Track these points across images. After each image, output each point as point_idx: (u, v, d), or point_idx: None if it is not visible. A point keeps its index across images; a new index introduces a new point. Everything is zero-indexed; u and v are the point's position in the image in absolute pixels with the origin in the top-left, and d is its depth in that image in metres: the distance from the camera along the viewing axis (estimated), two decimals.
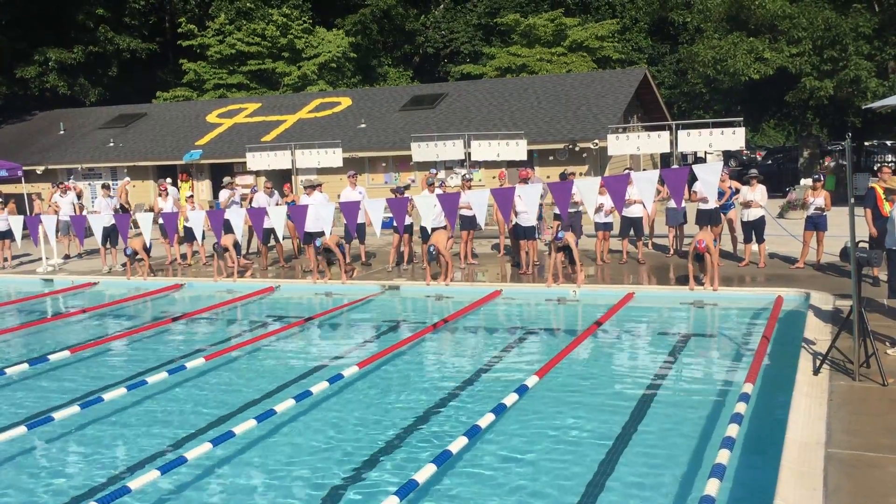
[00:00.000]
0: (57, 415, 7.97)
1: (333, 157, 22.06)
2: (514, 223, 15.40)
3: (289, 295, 15.21)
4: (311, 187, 16.74)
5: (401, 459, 7.09)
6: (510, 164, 21.46)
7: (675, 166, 17.66)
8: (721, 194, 15.05)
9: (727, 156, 42.33)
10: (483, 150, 20.10)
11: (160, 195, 19.16)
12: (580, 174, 22.13)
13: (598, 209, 15.39)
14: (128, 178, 24.07)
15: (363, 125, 26.92)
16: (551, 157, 23.40)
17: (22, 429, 7.66)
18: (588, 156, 23.19)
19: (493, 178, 21.86)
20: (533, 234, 15.23)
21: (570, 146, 22.90)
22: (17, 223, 17.76)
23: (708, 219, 14.99)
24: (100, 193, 19.36)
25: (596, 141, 22.39)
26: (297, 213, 13.37)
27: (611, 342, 10.89)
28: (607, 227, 16.03)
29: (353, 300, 14.02)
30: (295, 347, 11.43)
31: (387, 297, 14.54)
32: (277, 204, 16.77)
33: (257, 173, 24.87)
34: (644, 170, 21.15)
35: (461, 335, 11.65)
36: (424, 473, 6.14)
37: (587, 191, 10.30)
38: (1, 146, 31.37)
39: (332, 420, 8.14)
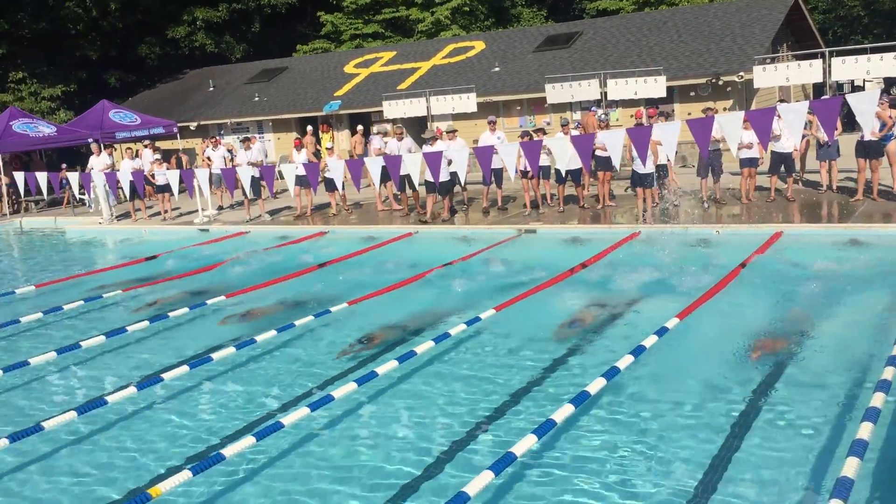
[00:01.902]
0: (216, 355, 8.51)
1: (468, 102, 22.08)
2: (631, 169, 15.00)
3: (426, 240, 15.48)
4: (452, 132, 16.89)
5: (542, 398, 7.17)
6: (648, 102, 20.76)
7: (827, 96, 16.55)
8: (882, 126, 14.02)
9: (888, 83, 39.21)
10: (620, 88, 19.56)
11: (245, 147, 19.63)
12: (724, 109, 21.13)
13: (745, 146, 14.71)
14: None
15: (497, 68, 26.68)
16: (692, 93, 22.44)
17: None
18: (732, 90, 22.08)
19: (631, 117, 21.24)
20: (648, 181, 14.67)
21: (713, 80, 21.86)
22: (174, 177, 18.89)
23: (866, 151, 14.03)
24: (242, 147, 20.18)
25: (741, 73, 21.26)
26: (431, 159, 13.49)
27: (755, 285, 10.46)
28: (752, 163, 15.29)
29: (490, 244, 14.11)
30: (433, 292, 11.65)
31: (523, 240, 14.53)
32: (410, 150, 16.96)
33: (394, 121, 25.23)
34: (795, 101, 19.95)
35: (599, 279, 11.50)
36: (562, 413, 6.19)
37: (729, 126, 9.85)
38: (157, 104, 33.24)
39: (471, 361, 8.26)
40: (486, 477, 5.21)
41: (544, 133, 15.21)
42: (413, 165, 13.34)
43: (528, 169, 14.81)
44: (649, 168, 14.52)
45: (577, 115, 22.72)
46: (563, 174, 15.86)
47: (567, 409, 6.25)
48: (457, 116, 24.01)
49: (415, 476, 6.01)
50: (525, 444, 5.65)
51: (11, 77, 33.57)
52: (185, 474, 5.65)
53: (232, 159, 21.86)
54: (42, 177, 21.01)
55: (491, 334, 9.17)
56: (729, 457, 5.90)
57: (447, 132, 17.31)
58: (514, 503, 5.59)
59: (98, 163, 21.72)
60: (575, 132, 15.71)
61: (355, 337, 9.56)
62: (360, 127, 24.19)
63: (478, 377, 7.83)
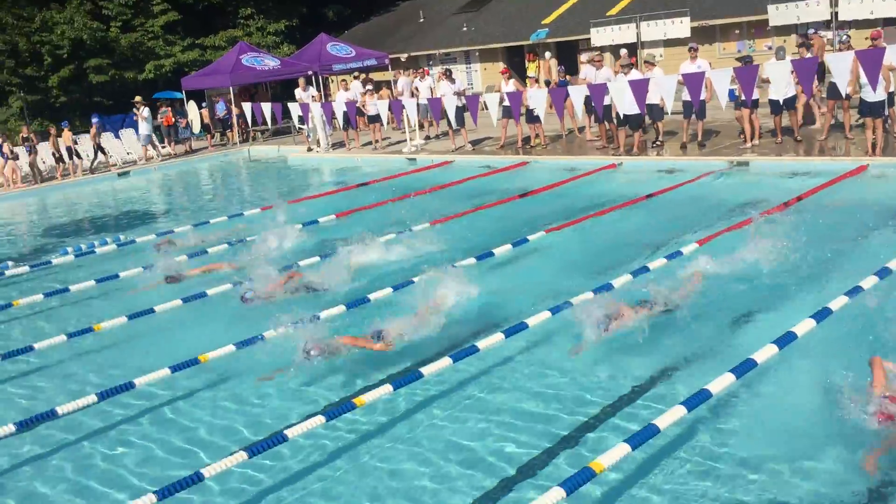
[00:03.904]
0: (418, 278, 8.89)
1: (681, 27, 21.01)
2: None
3: (629, 172, 15.12)
4: (650, 63, 16.16)
5: (740, 342, 6.92)
6: (886, 22, 18.73)
7: None
8: None
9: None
10: (853, 7, 17.77)
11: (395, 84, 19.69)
12: None
13: None
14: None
15: None
16: None
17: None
18: None
19: (865, 38, 19.28)
20: (879, 110, 13.22)
21: None
22: (383, 107, 19.60)
23: None
24: (444, 79, 20.43)
25: None
26: (637, 87, 13.06)
27: None
28: None
29: (696, 176, 13.55)
30: (634, 224, 11.41)
31: (734, 173, 13.82)
32: (609, 80, 16.38)
33: (601, 49, 24.53)
34: None
35: (816, 215, 10.73)
36: (764, 354, 5.96)
37: None
38: (369, 37, 34.39)
39: (670, 293, 8.03)
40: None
41: (752, 61, 14.11)
42: (617, 95, 12.94)
43: (742, 97, 13.95)
44: (880, 95, 13.18)
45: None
46: (780, 103, 14.76)
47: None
48: (668, 43, 22.95)
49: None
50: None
51: (241, 13, 35.97)
52: None
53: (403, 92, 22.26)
54: (267, 107, 22.55)
55: (691, 269, 8.84)
56: None
57: (646, 62, 16.49)
58: None
59: (305, 96, 22.92)
60: (791, 57, 14.53)
61: (551, 268, 9.61)
62: (547, 54, 23.72)
63: (683, 317, 7.58)
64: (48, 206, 19.49)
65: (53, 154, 22.16)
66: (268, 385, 6.94)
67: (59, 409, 6.35)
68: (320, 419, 5.77)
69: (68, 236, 14.84)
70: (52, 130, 22.68)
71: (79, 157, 22.82)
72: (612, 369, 6.64)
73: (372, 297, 8.50)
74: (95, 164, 23.44)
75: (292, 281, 9.17)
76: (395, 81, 24.46)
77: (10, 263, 12.17)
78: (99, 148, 23.27)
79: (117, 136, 25.05)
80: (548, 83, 19.25)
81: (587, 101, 16.31)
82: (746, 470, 5.07)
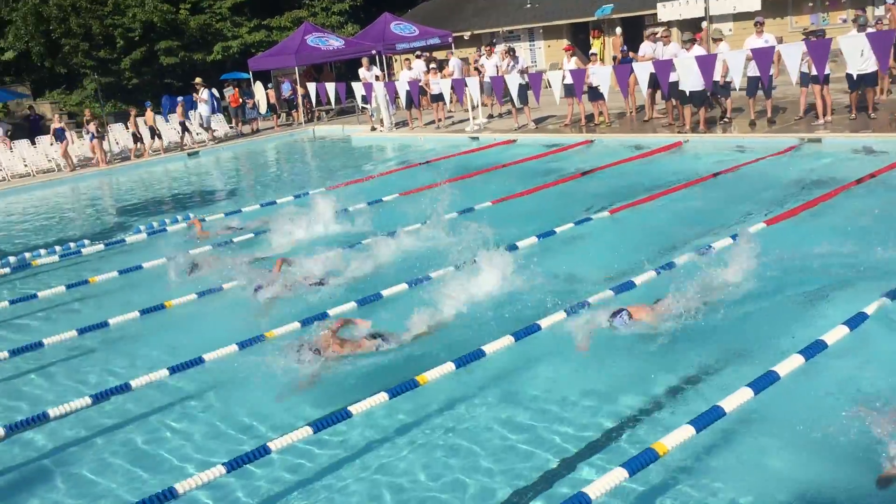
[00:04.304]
0: (481, 257, 8.90)
1: (751, 0, 20.40)
2: None
3: (696, 150, 14.83)
4: (718, 38, 15.74)
5: (809, 324, 6.77)
6: None
7: None
8: None
9: None
10: None
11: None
12: None
13: None
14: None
15: None
16: None
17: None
18: None
19: None
20: None
21: None
22: (446, 86, 19.60)
23: None
24: (507, 56, 20.27)
25: None
26: (704, 63, 12.77)
27: None
28: None
29: (766, 154, 13.22)
30: (700, 203, 11.22)
31: (806, 150, 13.45)
32: (675, 56, 16.01)
33: (668, 24, 24.03)
34: None
35: (891, 192, 10.39)
36: (833, 336, 5.83)
37: None
38: (433, 15, 34.31)
39: (736, 273, 7.88)
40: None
41: (824, 34, 13.60)
42: (682, 71, 12.68)
43: (814, 72, 13.50)
44: None
45: (880, 11, 20.20)
46: (855, 78, 14.25)
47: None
48: (737, 17, 22.35)
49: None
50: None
51: None
52: None
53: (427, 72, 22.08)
54: (331, 87, 22.76)
55: (760, 248, 8.65)
56: None
57: (715, 39, 15.99)
58: None
59: (368, 75, 23.02)
60: (871, 29, 14.01)
61: (614, 247, 9.53)
62: (618, 29, 23.32)
63: (745, 297, 7.45)
64: (124, 186, 20.07)
65: (133, 134, 22.81)
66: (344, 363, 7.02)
67: (133, 383, 6.62)
68: (383, 396, 5.87)
69: (143, 215, 15.25)
70: (133, 111, 23.34)
71: (160, 137, 23.41)
72: (675, 351, 6.57)
73: (434, 274, 8.55)
74: (185, 141, 23.92)
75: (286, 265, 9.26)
76: (447, 61, 24.38)
77: (86, 242, 12.61)
78: (184, 127, 23.81)
79: (187, 118, 25.61)
80: (615, 59, 18.94)
81: (652, 77, 16.03)
82: (822, 451, 4.97)
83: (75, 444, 6.25)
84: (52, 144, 22.33)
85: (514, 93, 18.43)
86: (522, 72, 19.01)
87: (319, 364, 6.78)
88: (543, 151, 16.43)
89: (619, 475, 4.47)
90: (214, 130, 24.90)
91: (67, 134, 22.37)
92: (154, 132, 23.21)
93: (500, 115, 21.99)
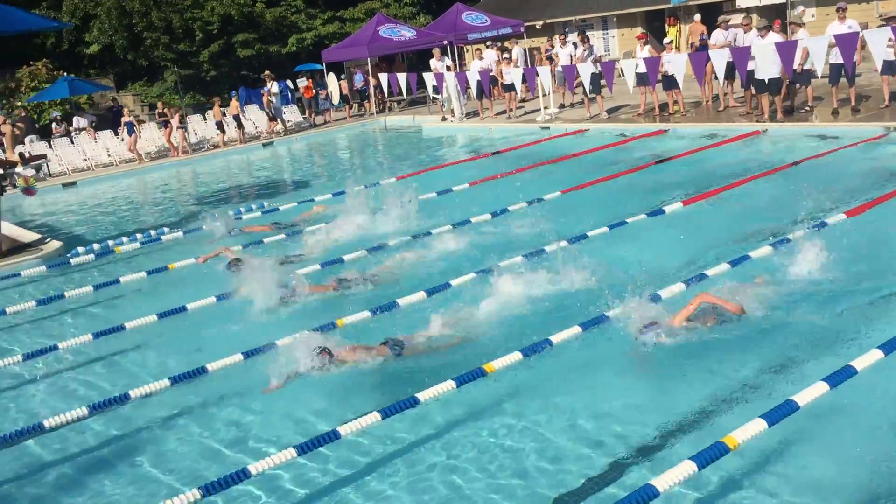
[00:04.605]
0: (550, 247, 8.89)
1: None
2: None
3: (776, 138, 14.44)
4: (798, 24, 15.23)
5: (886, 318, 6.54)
6: None
7: None
8: None
9: None
10: None
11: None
12: None
13: None
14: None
15: None
16: None
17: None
18: None
19: None
20: None
21: None
22: (517, 75, 19.51)
23: None
24: (580, 45, 20.02)
25: None
26: (784, 50, 12.42)
27: None
28: None
29: (850, 143, 12.78)
30: (777, 193, 10.91)
31: (892, 138, 12.95)
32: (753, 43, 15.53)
33: (747, 10, 23.41)
34: None
35: None
36: None
37: None
38: (505, 5, 34.12)
39: (814, 265, 7.66)
40: None
41: None
42: (761, 59, 12.35)
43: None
44: None
45: None
46: None
47: None
48: (820, 2, 21.63)
49: None
50: None
51: None
52: None
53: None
54: (403, 78, 22.90)
55: (837, 242, 8.39)
56: None
57: (791, 23, 15.48)
58: None
59: (439, 65, 23.05)
60: None
61: (689, 236, 9.38)
62: (697, 16, 22.77)
63: (821, 290, 7.25)
64: (203, 175, 20.60)
65: (218, 123, 23.43)
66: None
67: (209, 367, 6.83)
68: (451, 383, 5.91)
69: (220, 204, 15.60)
70: (217, 100, 23.98)
71: (242, 127, 23.97)
72: (749, 343, 6.43)
73: (503, 263, 8.54)
74: (278, 127, 24.45)
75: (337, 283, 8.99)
76: (511, 51, 24.21)
77: (165, 230, 13.01)
78: (272, 116, 24.33)
79: (262, 109, 26.12)
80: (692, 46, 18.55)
81: (728, 66, 15.67)
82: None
83: (156, 423, 6.47)
84: (122, 140, 23.02)
85: (587, 82, 18.22)
86: (596, 60, 18.76)
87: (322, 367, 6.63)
88: (615, 141, 16.22)
89: (687, 468, 4.42)
90: (288, 121, 25.32)
91: (136, 128, 23.04)
92: (239, 121, 23.76)
93: (572, 105, 21.78)
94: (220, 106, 23.68)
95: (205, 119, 25.38)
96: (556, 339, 6.51)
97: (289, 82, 27.65)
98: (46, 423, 6.11)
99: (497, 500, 4.88)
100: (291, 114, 26.25)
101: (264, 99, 24.22)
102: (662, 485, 4.32)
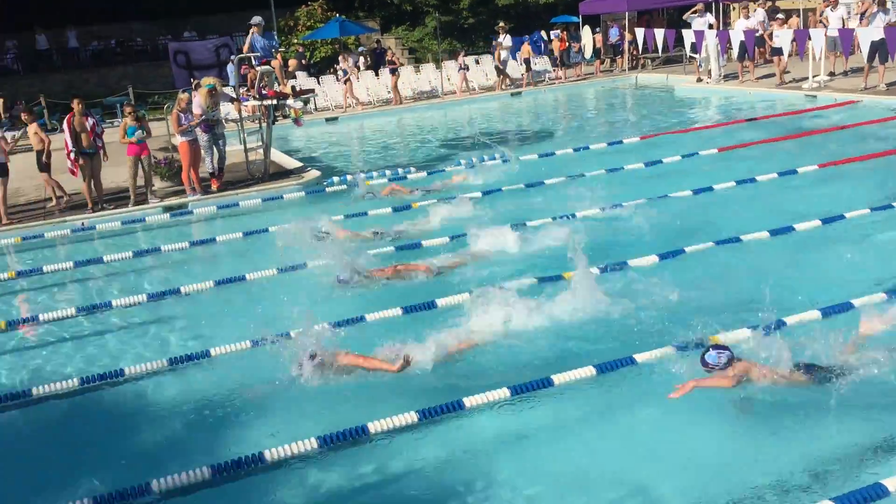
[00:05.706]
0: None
1: None
2: None
3: None
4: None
5: None
6: None
7: None
8: None
9: None
10: None
11: None
12: None
13: None
14: None
15: None
16: None
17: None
18: None
19: None
20: None
21: None
22: (787, 38, 18.20)
23: None
24: (873, 7, 18.12)
25: None
26: None
27: None
28: None
29: None
30: None
31: None
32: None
33: None
34: None
35: None
36: None
37: None
38: None
39: None
40: None
41: None
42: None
43: None
44: None
45: None
46: None
47: None
48: None
49: None
50: None
51: None
52: None
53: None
54: (660, 34, 22.14)
55: None
56: None
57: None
58: None
59: (700, 23, 21.84)
60: None
61: None
62: None
63: None
64: (451, 120, 21.30)
65: (496, 67, 24.31)
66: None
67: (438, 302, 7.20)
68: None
69: (462, 149, 16.06)
70: (497, 43, 24.63)
71: (529, 69, 24.59)
72: None
73: (745, 238, 8.15)
74: (529, 77, 25.01)
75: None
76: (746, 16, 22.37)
77: (412, 168, 13.71)
78: (527, 64, 24.86)
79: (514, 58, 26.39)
80: None
81: None
82: None
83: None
84: (345, 83, 23.64)
85: (866, 48, 16.58)
86: (889, 26, 16.71)
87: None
88: (890, 115, 14.71)
89: None
90: (531, 72, 25.39)
91: (353, 77, 23.66)
92: (529, 64, 24.47)
93: (846, 73, 19.93)
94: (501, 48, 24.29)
95: (475, 63, 25.99)
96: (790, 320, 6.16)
97: (543, 33, 27.62)
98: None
99: None
100: (542, 65, 26.30)
101: (496, 52, 24.43)
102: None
